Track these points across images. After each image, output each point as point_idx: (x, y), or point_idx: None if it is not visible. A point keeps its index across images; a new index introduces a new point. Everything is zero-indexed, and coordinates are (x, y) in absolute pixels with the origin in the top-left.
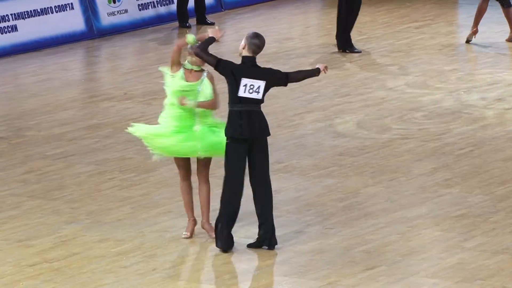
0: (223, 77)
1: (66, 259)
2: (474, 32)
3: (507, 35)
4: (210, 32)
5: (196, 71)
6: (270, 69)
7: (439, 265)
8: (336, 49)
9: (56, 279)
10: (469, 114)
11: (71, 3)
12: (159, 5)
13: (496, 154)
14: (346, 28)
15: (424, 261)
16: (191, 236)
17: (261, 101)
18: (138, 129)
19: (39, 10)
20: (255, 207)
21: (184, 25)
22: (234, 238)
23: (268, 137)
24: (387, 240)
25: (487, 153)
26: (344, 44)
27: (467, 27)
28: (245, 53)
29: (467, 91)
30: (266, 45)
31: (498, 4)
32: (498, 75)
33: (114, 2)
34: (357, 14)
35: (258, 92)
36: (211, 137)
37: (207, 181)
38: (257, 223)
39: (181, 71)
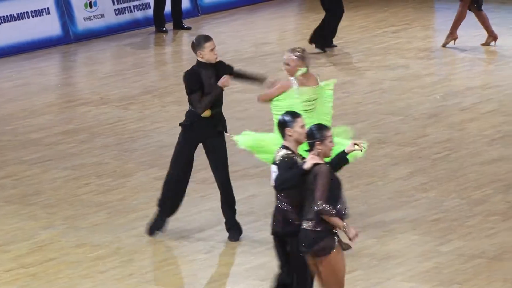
0: None
1: (43, 264)
2: (454, 38)
3: (483, 40)
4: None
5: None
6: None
7: (416, 269)
8: (313, 53)
9: (33, 285)
10: (446, 118)
11: (48, 8)
12: (135, 9)
13: (473, 158)
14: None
15: (401, 265)
16: None
17: None
18: (244, 140)
19: (15, 15)
20: None
21: (160, 30)
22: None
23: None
24: (363, 245)
25: (464, 157)
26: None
27: (444, 32)
28: None
29: (444, 95)
30: (243, 49)
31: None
32: (475, 80)
33: (91, 7)
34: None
35: None
36: None
37: None
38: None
39: (295, 83)
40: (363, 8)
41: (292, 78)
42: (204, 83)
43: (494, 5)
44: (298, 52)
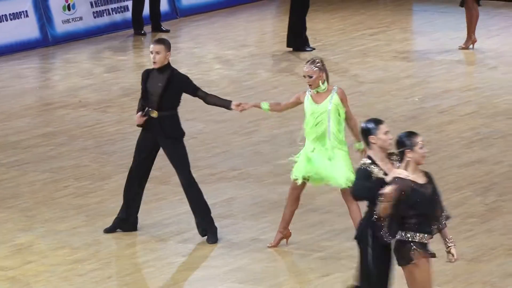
0: None
1: (22, 267)
2: (473, 41)
3: (462, 42)
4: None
5: (320, 92)
6: None
7: (395, 271)
8: (291, 55)
9: None
10: (424, 121)
11: (26, 11)
12: (114, 12)
13: (451, 161)
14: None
15: None
16: (273, 246)
17: None
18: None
19: None
20: None
21: (139, 33)
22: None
23: (227, 144)
24: (342, 247)
25: (442, 160)
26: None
27: (422, 34)
28: None
29: (422, 97)
30: (222, 51)
31: (453, 11)
32: (453, 82)
33: (69, 10)
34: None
35: None
36: (322, 165)
37: (351, 201)
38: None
39: (308, 95)
40: (340, 10)
41: (309, 90)
42: (148, 83)
43: None
44: (319, 63)
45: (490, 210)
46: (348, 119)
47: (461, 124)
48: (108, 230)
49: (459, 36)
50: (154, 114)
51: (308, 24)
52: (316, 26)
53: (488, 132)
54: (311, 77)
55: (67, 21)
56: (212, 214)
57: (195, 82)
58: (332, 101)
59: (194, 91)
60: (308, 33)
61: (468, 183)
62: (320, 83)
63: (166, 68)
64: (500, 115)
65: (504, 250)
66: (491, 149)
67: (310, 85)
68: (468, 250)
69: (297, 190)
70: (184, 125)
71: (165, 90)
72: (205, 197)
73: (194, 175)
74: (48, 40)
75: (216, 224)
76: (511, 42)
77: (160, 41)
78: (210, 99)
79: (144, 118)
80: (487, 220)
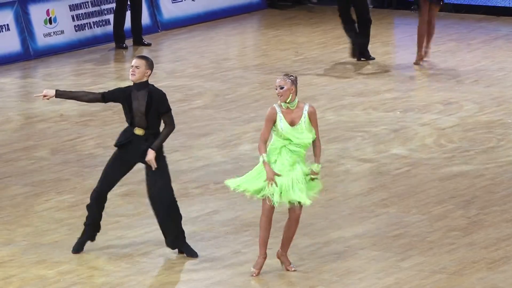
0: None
1: (3, 281)
2: (421, 57)
3: (442, 55)
4: None
5: (291, 108)
6: None
7: (376, 285)
8: (272, 69)
9: None
10: (406, 134)
11: (7, 24)
12: (95, 26)
13: (432, 174)
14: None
15: (361, 281)
16: (258, 273)
17: None
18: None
19: None
20: None
21: (120, 46)
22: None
23: (209, 157)
24: (324, 260)
25: (423, 173)
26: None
27: (403, 47)
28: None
29: (403, 111)
30: (203, 65)
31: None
32: (434, 95)
33: (51, 23)
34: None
35: None
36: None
37: (295, 220)
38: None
39: (279, 112)
40: (321, 24)
41: (278, 104)
42: (133, 104)
43: (453, 21)
44: (292, 77)
45: (472, 224)
46: (315, 139)
47: (443, 138)
48: (76, 250)
49: (439, 49)
50: (140, 132)
51: (289, 38)
52: (298, 39)
53: (469, 145)
54: (282, 87)
55: (49, 34)
56: (194, 227)
57: (176, 95)
58: (305, 129)
59: (164, 112)
60: (289, 46)
61: (450, 197)
62: (291, 97)
63: (144, 85)
64: (481, 129)
65: (485, 263)
66: (472, 162)
67: (280, 96)
68: (450, 264)
69: (271, 212)
70: (167, 138)
71: (149, 107)
72: (187, 210)
73: (176, 188)
74: (30, 54)
75: (198, 237)
76: (492, 55)
77: (143, 57)
78: (163, 131)
79: (45, 98)
80: (469, 234)
